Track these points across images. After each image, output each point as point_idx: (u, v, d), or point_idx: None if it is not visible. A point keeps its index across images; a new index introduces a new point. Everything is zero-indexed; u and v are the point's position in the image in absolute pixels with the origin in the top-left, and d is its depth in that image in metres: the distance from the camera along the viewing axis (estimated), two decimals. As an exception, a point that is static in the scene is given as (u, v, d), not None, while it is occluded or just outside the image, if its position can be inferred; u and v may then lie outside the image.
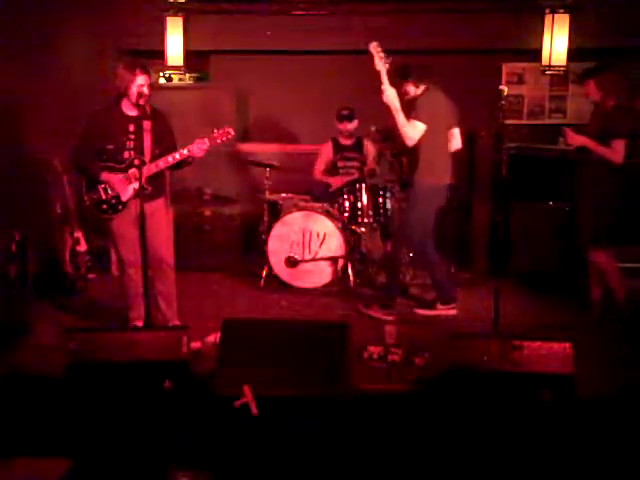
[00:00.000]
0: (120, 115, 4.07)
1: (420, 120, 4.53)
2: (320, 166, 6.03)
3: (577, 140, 4.50)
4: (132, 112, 4.04)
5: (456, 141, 4.83)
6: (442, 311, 4.84)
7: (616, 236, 4.53)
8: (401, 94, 4.60)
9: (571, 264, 5.19)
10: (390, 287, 4.96)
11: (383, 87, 4.50)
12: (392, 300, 4.89)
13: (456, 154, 4.87)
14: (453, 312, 4.84)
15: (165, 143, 4.12)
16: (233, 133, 4.10)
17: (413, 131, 4.53)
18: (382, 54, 4.50)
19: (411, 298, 5.27)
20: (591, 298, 4.68)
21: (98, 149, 4.05)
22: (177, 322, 4.28)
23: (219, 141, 4.06)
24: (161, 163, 4.02)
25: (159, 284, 4.20)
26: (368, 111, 5.01)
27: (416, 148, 4.60)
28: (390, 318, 4.74)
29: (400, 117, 4.52)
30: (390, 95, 4.49)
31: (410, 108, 4.60)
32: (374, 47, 4.50)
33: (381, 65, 4.48)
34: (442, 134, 4.68)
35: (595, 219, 4.49)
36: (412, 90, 4.69)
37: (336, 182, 5.80)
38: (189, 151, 4.01)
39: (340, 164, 5.95)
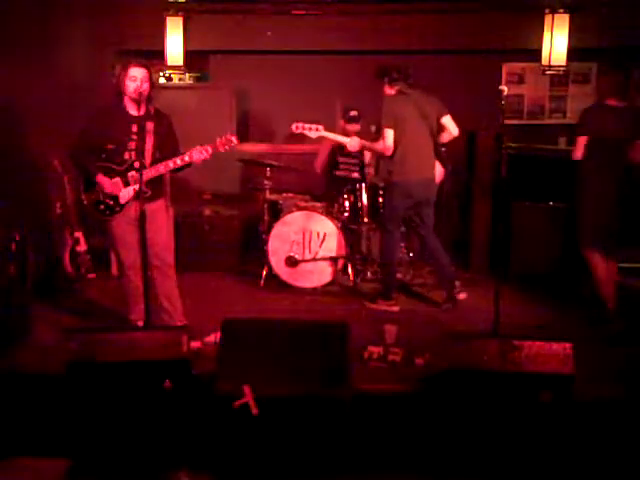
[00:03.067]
0: (123, 114, 4.01)
1: (387, 125, 4.75)
2: (322, 160, 6.05)
3: None
4: (135, 112, 3.97)
5: (450, 129, 4.90)
6: (382, 306, 4.97)
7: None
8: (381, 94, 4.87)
9: (571, 264, 5.19)
10: (386, 283, 5.06)
11: (346, 144, 4.99)
12: (392, 292, 5.02)
13: (455, 150, 4.95)
14: (395, 309, 4.95)
15: (167, 146, 4.05)
16: (236, 141, 4.02)
17: (385, 142, 4.77)
18: (306, 125, 4.90)
19: (414, 297, 5.32)
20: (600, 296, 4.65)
21: (98, 147, 4.00)
22: (184, 321, 4.21)
23: (221, 149, 4.01)
24: (161, 168, 3.97)
25: (160, 285, 4.14)
26: (367, 110, 5.02)
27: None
28: (395, 309, 4.94)
29: (374, 147, 4.94)
30: (352, 144, 4.98)
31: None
32: (296, 129, 4.91)
33: (314, 134, 4.93)
34: (412, 133, 4.79)
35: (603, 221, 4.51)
36: (388, 90, 4.86)
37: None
38: (190, 157, 3.96)
39: (341, 159, 5.96)
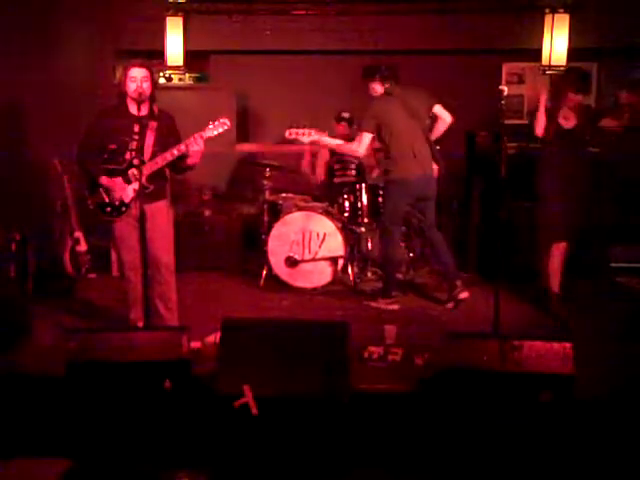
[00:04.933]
0: (126, 114, 4.01)
1: (366, 130, 4.81)
2: (319, 167, 6.04)
3: None
4: (137, 112, 3.91)
5: (443, 117, 4.94)
6: (382, 305, 4.99)
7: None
8: (369, 93, 4.94)
9: (570, 264, 5.18)
10: (386, 281, 5.11)
11: (328, 144, 5.06)
12: (392, 290, 5.06)
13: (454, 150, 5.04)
14: (394, 307, 4.97)
15: (169, 145, 4.01)
16: (229, 124, 4.02)
17: (359, 145, 4.85)
18: (299, 131, 4.86)
19: (415, 296, 5.33)
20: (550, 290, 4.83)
21: (101, 148, 4.01)
22: None
23: (215, 133, 3.99)
24: (159, 160, 3.95)
25: (158, 288, 4.12)
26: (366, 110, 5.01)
27: (382, 148, 4.99)
28: (394, 307, 4.96)
29: (345, 147, 5.02)
30: (327, 141, 4.98)
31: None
32: (289, 135, 4.88)
33: (306, 138, 4.88)
34: (404, 132, 4.83)
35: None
36: (378, 88, 4.90)
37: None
38: (186, 146, 3.94)
39: (336, 166, 5.95)
